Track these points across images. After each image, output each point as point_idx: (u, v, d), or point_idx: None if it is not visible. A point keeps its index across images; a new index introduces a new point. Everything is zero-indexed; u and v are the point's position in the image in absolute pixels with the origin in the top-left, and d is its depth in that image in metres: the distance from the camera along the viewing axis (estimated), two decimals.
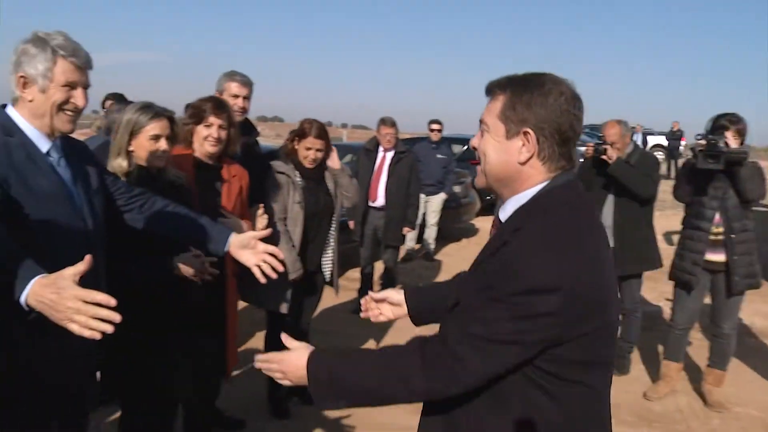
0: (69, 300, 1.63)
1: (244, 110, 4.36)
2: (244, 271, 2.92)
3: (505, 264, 1.55)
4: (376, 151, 7.34)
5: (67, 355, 2.34)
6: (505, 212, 1.73)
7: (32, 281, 1.72)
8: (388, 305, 2.33)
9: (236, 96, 4.30)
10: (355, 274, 7.83)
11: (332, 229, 4.64)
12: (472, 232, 12.21)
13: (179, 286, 3.07)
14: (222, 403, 4.38)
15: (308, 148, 4.37)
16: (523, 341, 1.52)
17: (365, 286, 7.42)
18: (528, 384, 1.58)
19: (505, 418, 1.61)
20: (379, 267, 7.56)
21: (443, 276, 9.02)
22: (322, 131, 4.39)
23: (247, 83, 4.37)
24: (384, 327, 6.72)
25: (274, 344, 4.68)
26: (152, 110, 3.10)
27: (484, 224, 12.29)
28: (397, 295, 2.31)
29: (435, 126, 9.80)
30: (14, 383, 2.22)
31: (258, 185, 4.25)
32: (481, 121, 1.75)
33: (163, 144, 3.10)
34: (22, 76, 2.25)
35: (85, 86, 2.33)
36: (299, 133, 4.42)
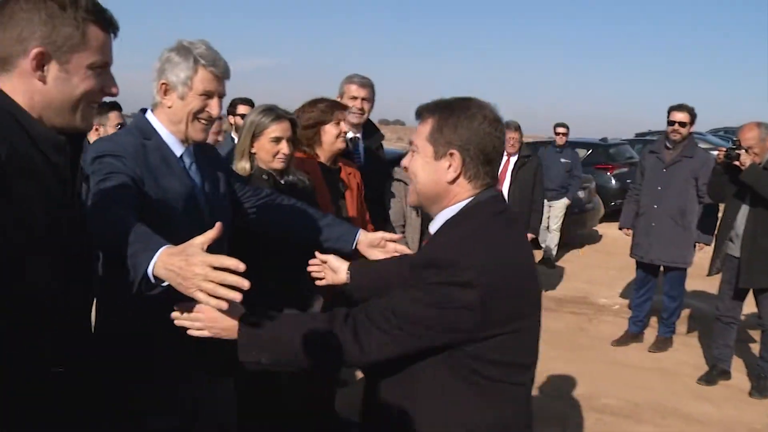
0: (197, 266, 1.58)
1: (363, 111, 4.33)
2: None
3: (431, 258, 1.72)
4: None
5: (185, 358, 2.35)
6: (434, 226, 1.88)
7: (160, 251, 1.69)
8: (329, 270, 2.43)
9: (355, 98, 4.28)
10: None
11: None
12: (595, 239, 11.82)
13: (304, 288, 3.09)
14: (338, 406, 4.42)
15: None
16: (438, 326, 1.66)
17: None
18: (460, 381, 1.72)
19: (437, 412, 1.75)
20: None
21: (564, 284, 8.80)
22: None
23: (365, 84, 4.33)
24: None
25: None
26: (274, 112, 3.15)
27: (607, 231, 11.86)
28: (336, 261, 2.42)
29: (560, 129, 9.57)
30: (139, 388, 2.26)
31: (380, 189, 4.27)
32: (410, 143, 1.90)
33: (284, 146, 3.15)
34: (164, 83, 2.33)
35: (221, 96, 2.40)
36: None
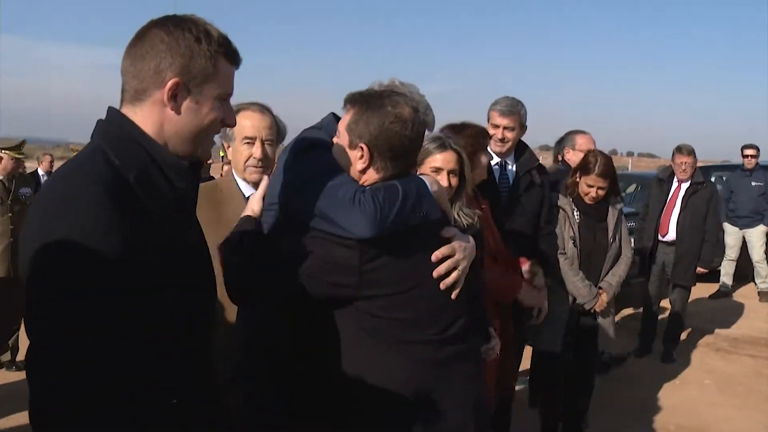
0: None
1: (504, 141, 4.07)
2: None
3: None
4: (670, 182, 6.81)
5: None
6: None
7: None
8: None
9: (497, 126, 4.06)
10: (638, 313, 7.28)
11: (604, 269, 4.29)
12: None
13: None
14: None
15: (590, 186, 4.12)
16: (323, 278, 1.90)
17: (648, 327, 6.87)
18: (366, 337, 1.92)
19: (346, 364, 1.95)
20: (665, 307, 6.96)
21: (741, 322, 8.01)
22: (607, 169, 4.09)
23: (508, 113, 4.04)
24: (664, 374, 6.17)
25: (546, 388, 4.48)
26: (441, 141, 2.91)
27: None
28: None
29: (749, 151, 8.89)
30: None
31: (534, 214, 4.11)
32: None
33: (443, 179, 2.84)
34: None
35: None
36: (582, 167, 4.18)
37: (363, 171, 1.98)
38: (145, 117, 1.56)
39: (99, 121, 1.60)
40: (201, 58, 1.53)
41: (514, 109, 4.05)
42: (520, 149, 4.23)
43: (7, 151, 6.20)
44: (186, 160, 1.62)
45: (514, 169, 4.17)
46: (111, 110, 1.60)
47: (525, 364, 4.81)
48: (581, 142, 4.89)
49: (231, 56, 1.61)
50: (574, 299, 4.18)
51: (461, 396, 1.99)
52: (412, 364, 1.93)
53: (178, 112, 1.55)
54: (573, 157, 4.76)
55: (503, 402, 3.69)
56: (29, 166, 11.94)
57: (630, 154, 70.77)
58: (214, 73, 1.56)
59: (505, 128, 4.05)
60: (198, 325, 1.67)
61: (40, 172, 12.34)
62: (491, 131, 4.00)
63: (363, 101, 1.98)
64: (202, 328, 1.70)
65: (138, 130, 1.55)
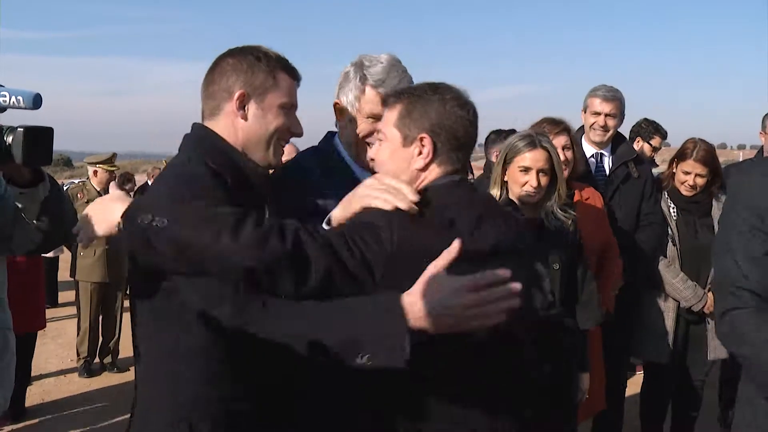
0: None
1: (606, 129, 3.93)
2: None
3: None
4: None
5: None
6: None
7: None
8: None
9: (597, 113, 3.92)
10: None
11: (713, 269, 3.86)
12: None
13: None
14: None
15: (686, 173, 3.81)
16: None
17: None
18: None
19: None
20: None
21: None
22: (707, 156, 3.78)
23: (610, 98, 3.91)
24: None
25: (653, 402, 4.17)
26: (530, 138, 2.80)
27: None
28: None
29: None
30: None
31: (635, 209, 3.95)
32: (377, 131, 1.87)
33: (532, 179, 2.75)
34: (336, 103, 2.22)
35: None
36: (679, 154, 3.90)
37: (424, 168, 1.73)
38: (222, 128, 1.83)
39: (186, 135, 1.88)
40: (261, 72, 1.82)
41: (616, 95, 3.94)
42: (616, 141, 4.09)
43: (101, 165, 6.60)
44: (262, 168, 1.88)
45: (611, 161, 4.04)
46: (196, 125, 1.89)
47: None
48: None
49: (289, 71, 1.87)
50: (679, 304, 3.87)
51: None
52: None
53: (246, 119, 1.82)
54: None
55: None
56: (139, 179, 12.58)
57: (741, 147, 67.09)
58: (275, 85, 1.83)
59: (607, 115, 3.92)
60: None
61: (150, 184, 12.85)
62: (591, 120, 3.92)
63: (413, 92, 1.76)
64: None
65: (222, 141, 1.82)
